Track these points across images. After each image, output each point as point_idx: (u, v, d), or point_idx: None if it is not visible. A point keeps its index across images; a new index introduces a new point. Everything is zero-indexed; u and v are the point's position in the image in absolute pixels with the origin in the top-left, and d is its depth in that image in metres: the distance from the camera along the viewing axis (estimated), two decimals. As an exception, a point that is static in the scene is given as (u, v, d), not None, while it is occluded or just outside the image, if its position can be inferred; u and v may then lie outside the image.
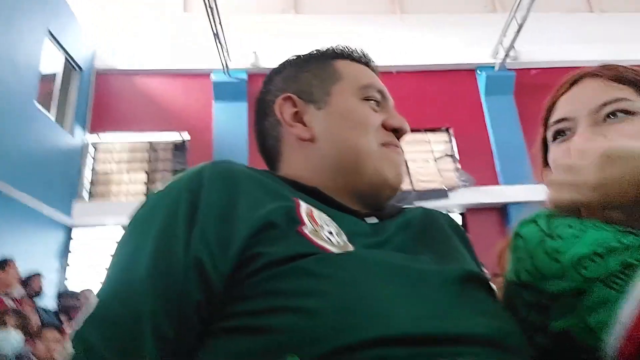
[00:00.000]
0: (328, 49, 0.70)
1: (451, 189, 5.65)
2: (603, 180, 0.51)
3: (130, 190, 6.20)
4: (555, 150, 0.65)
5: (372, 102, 0.66)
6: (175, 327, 0.43)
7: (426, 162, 6.03)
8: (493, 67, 6.40)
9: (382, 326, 0.42)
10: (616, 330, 0.47)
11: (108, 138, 6.43)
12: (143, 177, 6.25)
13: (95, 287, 4.22)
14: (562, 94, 0.67)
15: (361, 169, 0.61)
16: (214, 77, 6.23)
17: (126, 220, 0.52)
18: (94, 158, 6.38)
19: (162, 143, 6.41)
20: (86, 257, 5.82)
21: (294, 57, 0.71)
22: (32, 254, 4.86)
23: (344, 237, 0.52)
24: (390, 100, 0.68)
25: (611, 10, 7.48)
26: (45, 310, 3.84)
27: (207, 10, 5.34)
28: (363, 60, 0.70)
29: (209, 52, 5.96)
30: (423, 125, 6.00)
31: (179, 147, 6.34)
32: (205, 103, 6.26)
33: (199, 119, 6.20)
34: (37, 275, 3.90)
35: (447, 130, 6.32)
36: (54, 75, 5.94)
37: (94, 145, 6.43)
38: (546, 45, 6.45)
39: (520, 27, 5.74)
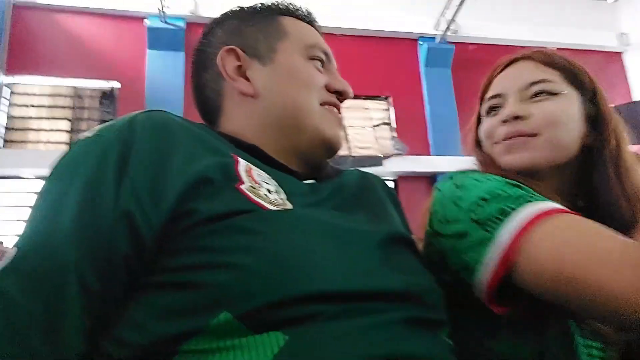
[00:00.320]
0: (273, 4, 0.68)
1: (386, 156, 5.80)
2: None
3: (50, 138, 5.75)
4: (487, 123, 0.75)
5: (317, 62, 0.65)
6: (101, 279, 0.42)
7: (363, 129, 6.12)
8: (434, 38, 6.52)
9: (315, 282, 0.43)
10: (482, 270, 0.54)
11: (27, 80, 5.87)
12: (66, 124, 5.81)
13: (10, 242, 3.95)
14: (498, 73, 0.76)
15: (302, 126, 0.62)
16: (148, 23, 5.81)
17: (47, 172, 0.48)
18: (9, 101, 5.82)
19: (89, 89, 5.96)
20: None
21: (237, 9, 0.69)
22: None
23: (283, 196, 0.52)
24: (334, 62, 0.69)
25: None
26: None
27: (143, -52, 4.92)
28: (307, 19, 0.69)
29: (144, -6, 5.55)
30: (363, 92, 6.04)
31: (107, 96, 5.92)
32: (138, 50, 5.85)
33: (131, 67, 5.79)
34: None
35: (385, 99, 6.42)
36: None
37: (10, 87, 5.84)
38: (485, 22, 6.66)
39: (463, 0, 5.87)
